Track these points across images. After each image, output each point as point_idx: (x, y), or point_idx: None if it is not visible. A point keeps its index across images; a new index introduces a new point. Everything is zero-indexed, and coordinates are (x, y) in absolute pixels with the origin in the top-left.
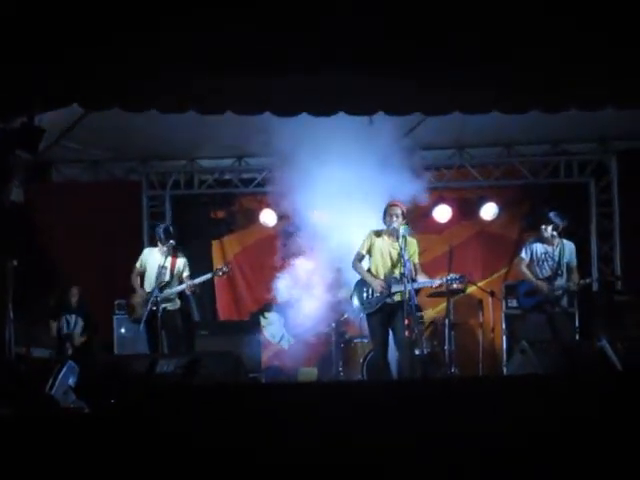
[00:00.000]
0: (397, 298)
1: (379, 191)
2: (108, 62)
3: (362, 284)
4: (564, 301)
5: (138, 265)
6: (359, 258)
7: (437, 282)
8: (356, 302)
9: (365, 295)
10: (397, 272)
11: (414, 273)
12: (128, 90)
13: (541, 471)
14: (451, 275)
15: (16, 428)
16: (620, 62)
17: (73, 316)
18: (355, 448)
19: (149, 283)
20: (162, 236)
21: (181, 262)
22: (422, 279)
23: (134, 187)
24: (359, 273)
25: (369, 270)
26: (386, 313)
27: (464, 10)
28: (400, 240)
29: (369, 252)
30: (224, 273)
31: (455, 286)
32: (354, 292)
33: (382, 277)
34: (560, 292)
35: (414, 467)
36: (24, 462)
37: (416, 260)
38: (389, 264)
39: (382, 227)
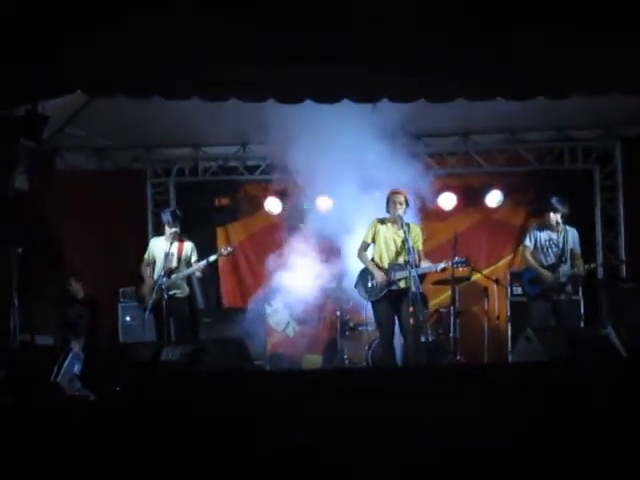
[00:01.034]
0: (402, 285)
1: (383, 178)
2: (112, 48)
3: (366, 272)
4: (569, 288)
5: (146, 256)
6: (364, 247)
7: (441, 265)
8: (361, 290)
9: (370, 284)
10: (401, 259)
11: (418, 260)
12: (131, 76)
13: (545, 457)
14: (456, 258)
15: (21, 416)
16: (625, 47)
17: (78, 306)
18: (359, 435)
19: (157, 271)
20: (170, 219)
21: (189, 246)
22: (425, 265)
23: (138, 175)
24: (363, 262)
25: (373, 259)
26: (391, 300)
27: None
28: (404, 227)
29: (373, 240)
30: (229, 253)
31: (460, 269)
32: (358, 280)
33: (386, 265)
34: (565, 279)
35: (418, 453)
36: (29, 450)
37: (420, 247)
38: (393, 252)
39: (386, 215)
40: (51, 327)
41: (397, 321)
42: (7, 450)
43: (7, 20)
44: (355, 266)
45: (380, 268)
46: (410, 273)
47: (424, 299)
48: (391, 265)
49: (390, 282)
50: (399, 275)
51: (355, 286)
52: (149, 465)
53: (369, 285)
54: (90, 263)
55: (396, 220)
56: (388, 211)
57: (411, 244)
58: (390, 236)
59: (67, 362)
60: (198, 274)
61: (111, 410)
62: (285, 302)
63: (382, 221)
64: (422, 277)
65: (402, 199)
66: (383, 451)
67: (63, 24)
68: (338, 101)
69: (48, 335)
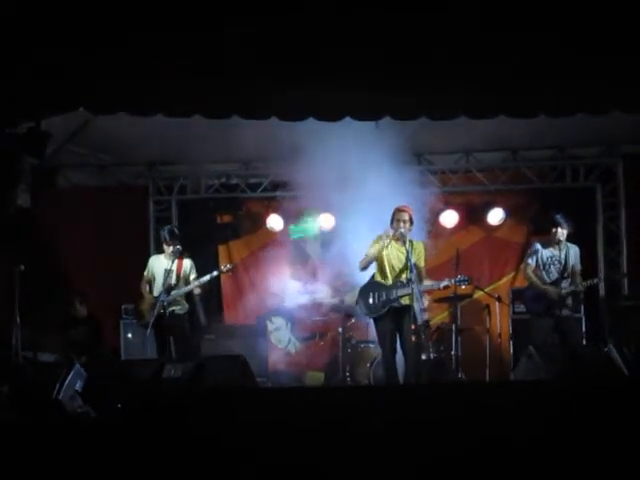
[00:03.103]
0: (404, 302)
1: (386, 196)
2: (114, 66)
3: (367, 289)
4: (570, 304)
5: (146, 273)
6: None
7: (444, 283)
8: (362, 307)
9: (371, 300)
10: (404, 277)
11: (420, 277)
12: (134, 95)
13: (547, 476)
14: (458, 276)
15: (23, 433)
16: (626, 66)
17: (81, 327)
18: (362, 451)
19: (157, 288)
20: (167, 237)
21: (187, 264)
22: (428, 283)
23: (140, 192)
24: (365, 261)
25: (373, 276)
26: (393, 317)
27: (467, 11)
28: (407, 244)
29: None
30: (228, 270)
31: (463, 287)
32: (359, 298)
33: (390, 282)
34: (566, 294)
35: (420, 470)
36: (30, 467)
37: (422, 264)
38: (396, 268)
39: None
40: (54, 345)
41: (398, 338)
42: (8, 467)
43: (8, 37)
44: (357, 283)
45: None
46: (412, 290)
47: (425, 315)
48: (394, 282)
49: (390, 295)
50: (401, 292)
51: (356, 303)
52: None
53: (370, 302)
54: (91, 279)
55: (400, 237)
56: (392, 228)
57: (413, 261)
58: (394, 253)
59: (69, 379)
60: (198, 291)
61: (112, 427)
62: (287, 319)
63: (386, 238)
64: (424, 293)
65: (406, 217)
66: (383, 466)
67: (66, 40)
68: (340, 119)
69: (51, 353)
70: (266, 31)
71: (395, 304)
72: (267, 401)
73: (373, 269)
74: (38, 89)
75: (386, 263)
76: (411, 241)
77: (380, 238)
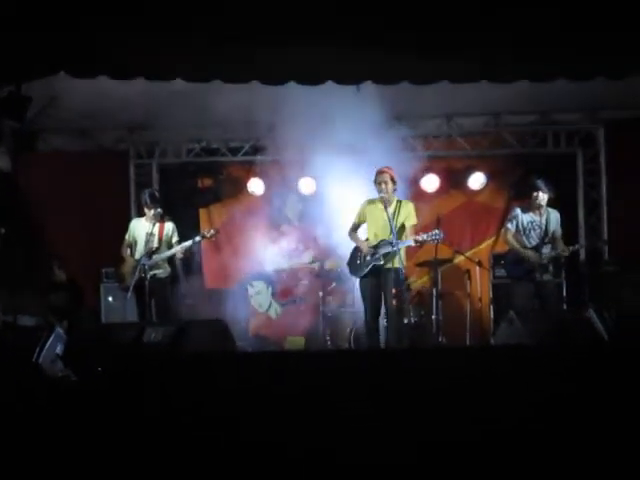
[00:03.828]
0: (389, 265)
1: (367, 159)
2: (95, 29)
3: (355, 250)
4: (551, 270)
5: (127, 237)
6: (353, 228)
7: (418, 237)
8: (351, 268)
9: (357, 261)
10: (388, 237)
11: (408, 236)
12: (115, 58)
13: (528, 441)
14: (434, 231)
15: (2, 397)
16: (609, 32)
17: (61, 292)
18: (342, 417)
19: (139, 252)
20: (148, 200)
21: (169, 227)
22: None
23: (121, 156)
24: (352, 240)
25: (367, 239)
26: (377, 278)
27: None
28: (387, 205)
29: (363, 220)
30: (212, 236)
31: (436, 239)
32: (350, 260)
33: (374, 243)
34: (547, 260)
35: (399, 437)
36: (10, 431)
37: (412, 222)
38: (385, 230)
39: (372, 194)
40: (34, 309)
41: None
42: None
43: None
44: (337, 248)
45: (367, 241)
46: (393, 250)
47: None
48: (378, 243)
49: (374, 253)
50: (383, 251)
51: (347, 264)
52: (130, 446)
53: (357, 262)
54: (72, 243)
55: (383, 199)
56: (377, 190)
57: (402, 220)
58: (380, 215)
59: (49, 343)
60: (180, 255)
61: (93, 391)
62: (267, 283)
63: (372, 201)
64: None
65: (387, 178)
66: (364, 433)
67: (47, 5)
68: (321, 83)
69: (30, 316)
70: None
71: (377, 263)
72: (247, 366)
73: (364, 233)
74: (18, 53)
75: (374, 225)
76: (399, 201)
77: (364, 204)
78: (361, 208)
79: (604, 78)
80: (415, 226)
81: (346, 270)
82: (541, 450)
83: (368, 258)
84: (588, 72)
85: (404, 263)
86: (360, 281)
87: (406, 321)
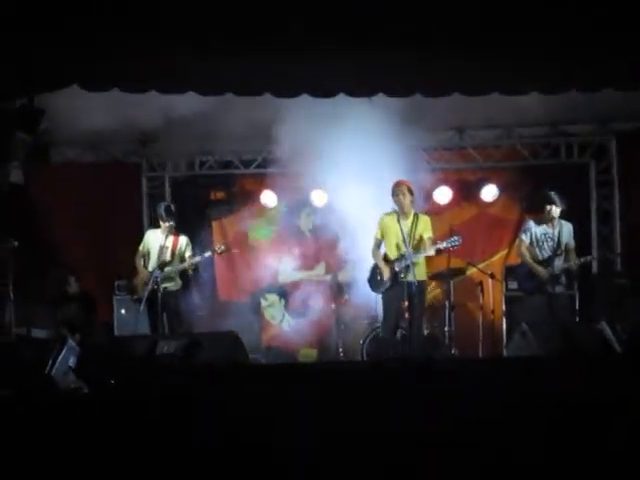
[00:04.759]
0: (408, 277)
1: (378, 171)
2: (107, 44)
3: (375, 267)
4: (563, 282)
5: (141, 247)
6: (376, 244)
7: (437, 246)
8: (372, 285)
9: (378, 277)
10: (406, 250)
11: (427, 248)
12: (128, 71)
13: (539, 452)
14: (451, 238)
15: (16, 409)
16: (620, 43)
17: (74, 304)
18: (355, 428)
19: (152, 264)
20: (163, 214)
21: (183, 241)
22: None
23: (134, 168)
24: (376, 261)
25: (385, 254)
26: (399, 292)
27: None
28: (400, 218)
29: (383, 236)
30: (222, 251)
31: (455, 244)
32: (371, 276)
33: (394, 257)
34: (559, 272)
35: (414, 446)
36: (24, 443)
37: (429, 234)
38: (400, 244)
39: (385, 207)
40: (47, 321)
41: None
42: (1, 443)
43: (4, 14)
44: (350, 260)
45: (387, 262)
46: (408, 264)
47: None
48: (397, 256)
49: (395, 275)
50: (404, 263)
51: (367, 281)
52: (143, 459)
53: (377, 279)
54: (85, 256)
55: (400, 211)
56: (394, 202)
57: (412, 234)
58: (398, 227)
59: (62, 355)
60: (192, 269)
61: (105, 404)
62: (280, 296)
63: (389, 214)
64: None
65: (405, 189)
66: (378, 443)
67: (60, 19)
68: (334, 95)
69: (43, 329)
70: (257, 5)
71: (400, 277)
72: (260, 378)
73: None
74: (32, 66)
75: (393, 239)
76: (417, 214)
77: (382, 219)
78: (379, 223)
79: (613, 89)
80: (431, 239)
81: (358, 281)
82: (555, 462)
83: (389, 276)
84: (599, 83)
85: (426, 275)
86: (383, 295)
87: None
